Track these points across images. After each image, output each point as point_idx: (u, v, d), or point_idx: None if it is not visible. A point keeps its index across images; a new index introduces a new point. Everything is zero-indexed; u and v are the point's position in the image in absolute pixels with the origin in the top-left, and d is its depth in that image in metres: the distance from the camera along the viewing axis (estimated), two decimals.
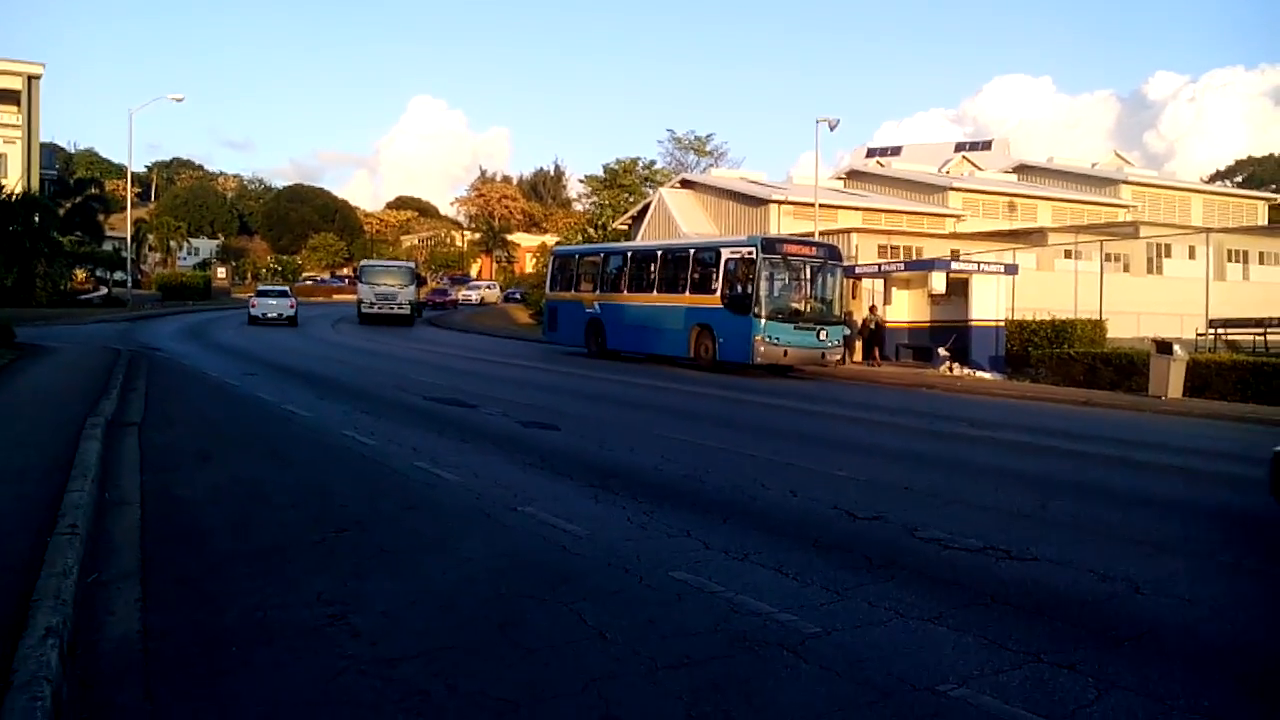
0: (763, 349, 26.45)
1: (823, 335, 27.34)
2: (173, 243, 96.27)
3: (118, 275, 69.36)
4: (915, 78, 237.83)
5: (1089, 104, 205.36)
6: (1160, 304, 35.35)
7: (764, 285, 26.67)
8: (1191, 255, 43.66)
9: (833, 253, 28.93)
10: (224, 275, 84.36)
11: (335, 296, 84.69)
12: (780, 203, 48.52)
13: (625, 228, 61.37)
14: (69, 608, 5.63)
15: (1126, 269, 42.33)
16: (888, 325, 33.21)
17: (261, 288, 55.00)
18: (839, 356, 28.84)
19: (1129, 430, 17.77)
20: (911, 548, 8.16)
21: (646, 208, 58.21)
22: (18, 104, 61.34)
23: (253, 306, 47.01)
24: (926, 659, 5.60)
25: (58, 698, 4.56)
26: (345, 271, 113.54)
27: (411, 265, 60.07)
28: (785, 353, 26.87)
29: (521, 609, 6.35)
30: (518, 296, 75.42)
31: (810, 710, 4.90)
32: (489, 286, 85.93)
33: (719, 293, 27.75)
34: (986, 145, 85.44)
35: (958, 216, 52.27)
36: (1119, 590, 7.11)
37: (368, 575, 6.99)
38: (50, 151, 78.38)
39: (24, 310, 40.67)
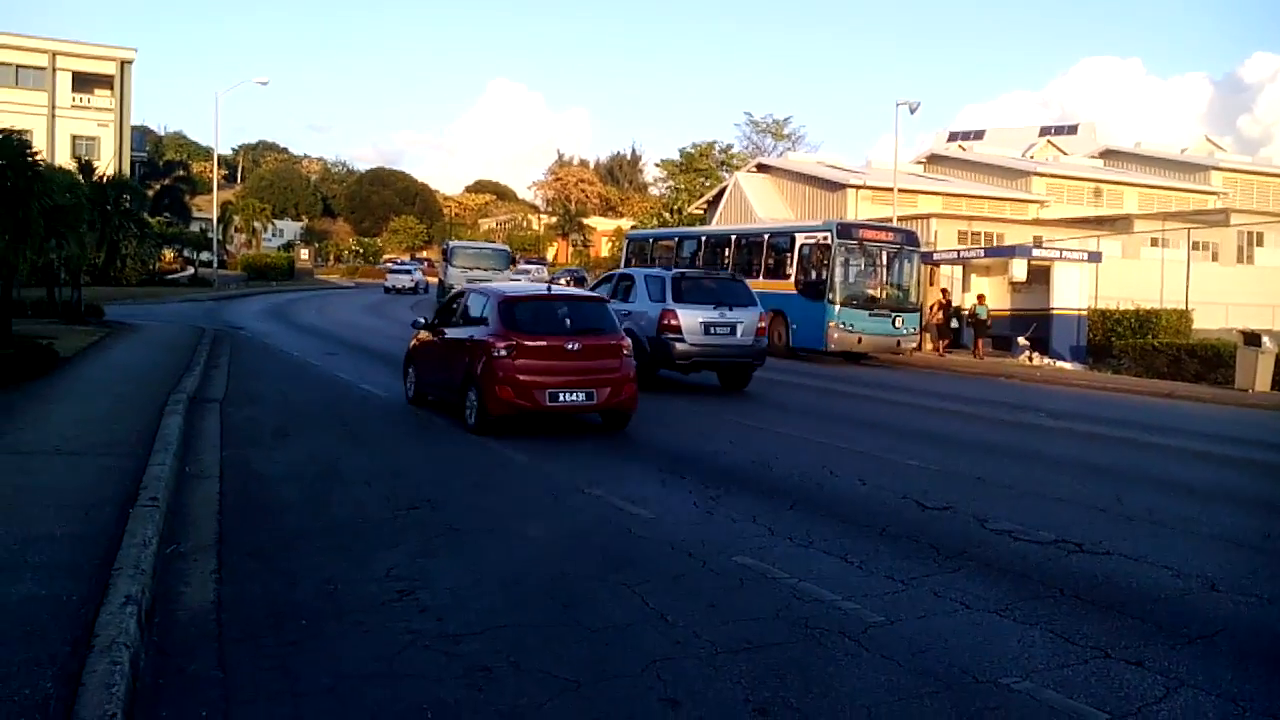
0: (836, 335, 26.21)
1: (898, 323, 26.99)
2: (257, 224, 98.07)
3: (204, 256, 71.01)
4: (999, 59, 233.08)
5: (1180, 87, 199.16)
6: (1250, 294, 34.26)
7: (839, 271, 26.43)
8: None
9: (910, 238, 28.51)
10: (307, 257, 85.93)
11: None
12: (858, 187, 47.99)
13: (701, 212, 61.26)
14: (148, 577, 5.83)
15: (1215, 258, 41.07)
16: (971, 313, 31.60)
17: (392, 266, 67.57)
18: (914, 344, 28.44)
19: (1212, 424, 17.31)
20: (981, 539, 8.06)
21: (722, 192, 58.01)
22: (111, 88, 63.03)
23: (386, 280, 61.25)
24: (991, 651, 5.55)
25: (135, 663, 4.72)
26: (425, 254, 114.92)
27: (506, 248, 53.98)
28: (859, 340, 26.56)
29: (585, 589, 6.41)
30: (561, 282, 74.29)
31: (871, 699, 4.88)
32: (539, 269, 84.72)
33: (793, 278, 27.55)
34: (1072, 129, 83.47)
35: (1041, 202, 51.20)
36: (1193, 587, 6.95)
37: (436, 553, 7.11)
38: (140, 134, 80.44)
39: (114, 289, 41.92)
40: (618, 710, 4.70)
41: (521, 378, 11.76)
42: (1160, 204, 52.64)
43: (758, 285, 28.69)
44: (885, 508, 9.07)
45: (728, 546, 7.45)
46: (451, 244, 50.04)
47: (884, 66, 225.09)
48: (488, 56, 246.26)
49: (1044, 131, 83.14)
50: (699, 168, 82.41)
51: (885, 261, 27.54)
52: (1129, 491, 10.30)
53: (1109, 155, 64.83)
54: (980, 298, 30.70)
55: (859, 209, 46.13)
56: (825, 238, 26.80)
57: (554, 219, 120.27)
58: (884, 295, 27.22)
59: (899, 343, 27.43)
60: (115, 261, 38.98)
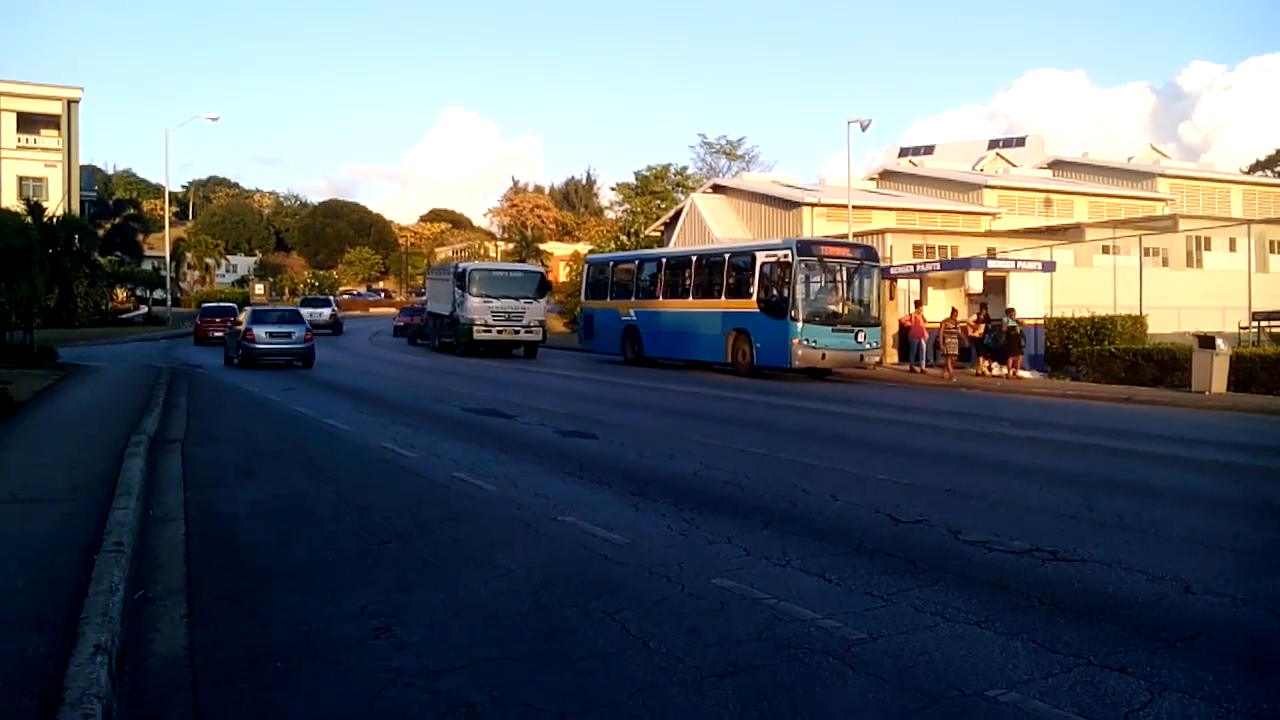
0: (800, 352, 26.32)
1: (860, 337, 27.23)
2: (211, 260, 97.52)
3: (157, 294, 70.25)
4: (946, 74, 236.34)
5: (1123, 97, 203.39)
6: (1201, 298, 34.80)
7: (800, 288, 26.57)
8: (1232, 247, 43.03)
9: (869, 254, 28.76)
10: (262, 291, 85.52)
11: (372, 310, 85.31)
12: (813, 205, 48.29)
13: (658, 234, 61.36)
14: (117, 624, 5.68)
15: (1165, 263, 41.75)
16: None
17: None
18: (877, 359, 28.64)
19: (1173, 427, 17.52)
20: (956, 551, 8.07)
21: (679, 214, 58.14)
22: (58, 128, 62.34)
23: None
24: (975, 664, 5.53)
25: (108, 715, 4.60)
26: (382, 285, 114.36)
27: (539, 270, 43.36)
28: (823, 356, 26.73)
29: (564, 619, 6.34)
30: None
31: (858, 718, 4.85)
32: None
33: (755, 297, 27.63)
34: (1020, 141, 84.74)
35: (993, 214, 51.79)
36: (1169, 590, 6.99)
37: (411, 588, 7.00)
38: (89, 173, 79.57)
39: (66, 330, 41.28)
40: None
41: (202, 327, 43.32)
42: (1110, 212, 53.44)
43: (720, 305, 28.78)
44: (859, 523, 9.07)
45: (705, 569, 7.40)
46: (469, 267, 39.67)
47: (834, 85, 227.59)
48: (439, 86, 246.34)
49: (993, 144, 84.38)
50: (654, 190, 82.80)
51: (846, 277, 27.73)
52: (1097, 497, 10.38)
53: (1057, 166, 65.73)
54: (1010, 311, 28.83)
55: (814, 226, 46.42)
56: (786, 255, 26.86)
57: (511, 245, 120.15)
58: (846, 311, 27.41)
59: (862, 357, 27.70)
60: (67, 303, 38.48)
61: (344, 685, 5.23)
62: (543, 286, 38.53)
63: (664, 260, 33.84)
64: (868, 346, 27.49)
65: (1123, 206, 55.34)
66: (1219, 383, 22.50)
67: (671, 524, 8.95)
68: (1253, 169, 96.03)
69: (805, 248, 27.34)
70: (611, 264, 37.21)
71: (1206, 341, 23.23)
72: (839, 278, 27.68)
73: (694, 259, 31.82)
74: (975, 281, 30.82)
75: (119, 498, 9.13)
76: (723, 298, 29.02)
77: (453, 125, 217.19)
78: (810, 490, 10.60)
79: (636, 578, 7.25)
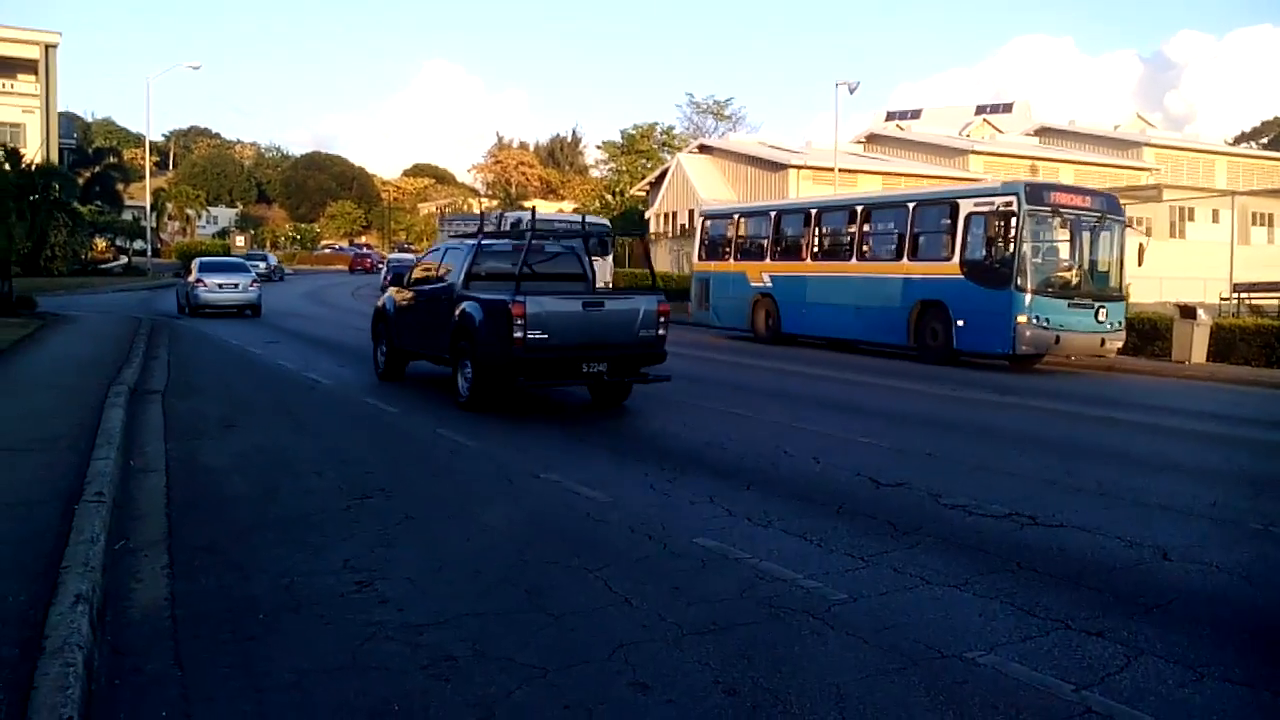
0: (1029, 333, 20.30)
1: (1102, 315, 21.06)
2: (191, 211, 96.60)
3: (137, 244, 69.69)
4: (934, 39, 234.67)
5: (1111, 64, 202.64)
6: (1183, 268, 34.89)
7: (1028, 248, 20.55)
8: (1215, 218, 43.14)
9: (1113, 205, 22.36)
10: (243, 244, 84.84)
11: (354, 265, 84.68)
12: (799, 167, 48.19)
13: (643, 194, 61.22)
14: (98, 574, 5.67)
15: (1149, 233, 41.78)
16: None
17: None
18: (1120, 343, 22.21)
19: (1153, 396, 17.63)
20: (936, 514, 8.12)
21: (664, 174, 57.93)
22: (35, 73, 61.34)
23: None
24: (954, 626, 5.58)
25: (89, 664, 4.59)
26: (364, 239, 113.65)
27: (606, 224, 36.46)
28: (1057, 339, 20.63)
29: (547, 576, 6.35)
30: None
31: (839, 677, 4.88)
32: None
33: (958, 259, 21.59)
34: (1007, 108, 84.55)
35: (978, 180, 51.80)
36: (1146, 556, 7.06)
37: (393, 542, 7.01)
38: (68, 121, 78.49)
39: (45, 280, 40.91)
40: (587, 695, 4.66)
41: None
42: (1095, 180, 53.39)
43: (901, 269, 23.14)
44: (840, 486, 9.12)
45: (687, 528, 7.43)
46: (512, 217, 29.34)
47: (822, 47, 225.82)
48: (423, 38, 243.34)
49: (980, 110, 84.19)
50: (640, 149, 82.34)
51: (1084, 236, 21.34)
52: (1077, 464, 10.45)
53: (1044, 133, 65.73)
54: None
55: (800, 189, 46.33)
56: (1008, 204, 20.67)
57: (495, 202, 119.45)
58: (1083, 280, 21.35)
59: (1104, 341, 21.43)
60: (45, 251, 38.08)
61: (326, 638, 5.24)
62: (607, 243, 30.91)
63: (814, 211, 26.88)
64: (1109, 327, 21.27)
65: (1107, 175, 55.43)
66: (1199, 353, 22.62)
67: (654, 483, 8.98)
68: (1238, 140, 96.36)
69: (1036, 194, 20.99)
70: (736, 217, 30.20)
71: (1188, 312, 23.32)
72: (1076, 236, 21.22)
73: (859, 209, 25.22)
74: None
75: (99, 448, 9.09)
76: (904, 259, 23.03)
77: (437, 78, 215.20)
78: (792, 452, 10.62)
79: (619, 536, 7.27)
